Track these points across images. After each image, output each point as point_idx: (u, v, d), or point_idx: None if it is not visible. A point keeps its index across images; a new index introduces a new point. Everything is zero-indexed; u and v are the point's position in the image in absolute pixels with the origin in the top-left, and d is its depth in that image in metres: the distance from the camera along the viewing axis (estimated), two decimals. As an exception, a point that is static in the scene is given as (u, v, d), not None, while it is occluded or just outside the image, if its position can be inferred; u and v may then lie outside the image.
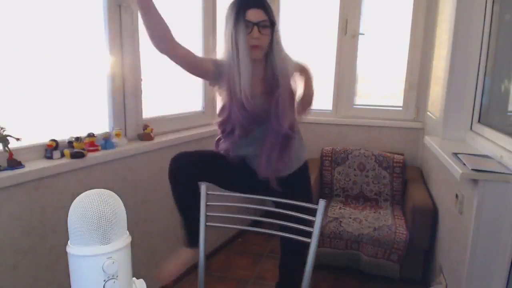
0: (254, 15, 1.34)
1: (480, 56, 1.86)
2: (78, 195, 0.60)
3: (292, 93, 1.52)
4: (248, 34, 1.35)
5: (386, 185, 2.68)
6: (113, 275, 0.59)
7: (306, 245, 1.18)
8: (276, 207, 1.27)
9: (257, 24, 1.35)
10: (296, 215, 1.22)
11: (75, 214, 0.58)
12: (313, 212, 1.18)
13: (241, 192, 1.40)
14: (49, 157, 1.53)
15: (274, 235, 1.29)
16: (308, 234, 1.19)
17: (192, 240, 1.50)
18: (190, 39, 2.34)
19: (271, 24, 1.40)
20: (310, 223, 1.19)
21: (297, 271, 1.44)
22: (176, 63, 1.39)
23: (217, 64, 1.43)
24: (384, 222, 2.36)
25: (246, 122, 1.45)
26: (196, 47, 2.43)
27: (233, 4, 1.39)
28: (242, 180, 1.59)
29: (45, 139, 1.55)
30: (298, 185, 1.63)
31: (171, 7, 2.20)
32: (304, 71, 1.60)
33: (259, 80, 1.47)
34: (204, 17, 2.47)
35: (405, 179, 2.67)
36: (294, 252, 1.65)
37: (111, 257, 0.59)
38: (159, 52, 1.35)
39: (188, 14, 2.39)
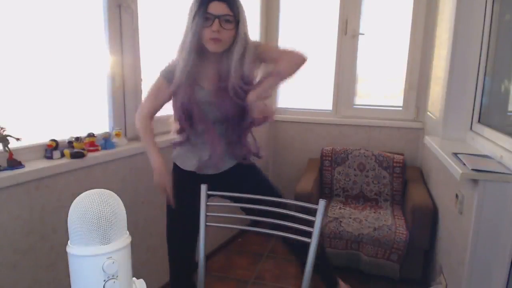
0: (216, 8, 1.31)
1: (480, 56, 1.86)
2: (78, 195, 0.60)
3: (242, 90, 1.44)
4: (208, 26, 1.33)
5: (386, 185, 2.68)
6: (113, 275, 0.59)
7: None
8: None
9: (218, 17, 1.32)
10: (296, 215, 1.22)
11: (75, 214, 0.58)
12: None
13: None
14: (49, 157, 1.53)
15: (274, 235, 1.29)
16: (308, 234, 1.19)
17: None
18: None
19: (235, 20, 1.36)
20: (310, 223, 1.19)
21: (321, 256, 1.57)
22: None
23: (165, 75, 1.49)
24: (384, 222, 2.36)
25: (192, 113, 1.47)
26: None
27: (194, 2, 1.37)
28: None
29: (45, 139, 1.55)
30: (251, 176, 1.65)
31: (172, 7, 2.20)
32: (259, 47, 1.50)
33: (213, 74, 1.46)
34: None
35: (405, 179, 2.67)
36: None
37: (111, 257, 0.59)
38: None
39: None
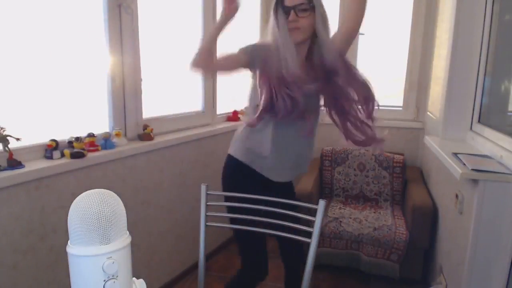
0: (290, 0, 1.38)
1: (480, 56, 1.86)
2: (78, 195, 0.60)
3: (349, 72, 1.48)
4: (287, 19, 1.39)
5: (386, 185, 2.68)
6: (113, 275, 0.59)
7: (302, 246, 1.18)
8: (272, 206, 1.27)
9: (293, 8, 1.38)
10: (296, 215, 1.23)
11: (75, 214, 0.58)
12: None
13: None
14: (49, 157, 1.53)
15: (274, 235, 1.29)
16: (308, 234, 1.19)
17: None
18: (190, 38, 2.33)
19: (311, 7, 1.40)
20: (310, 223, 1.19)
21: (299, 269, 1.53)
22: (220, 73, 1.43)
23: (247, 51, 1.44)
24: (384, 222, 2.36)
25: (292, 106, 1.39)
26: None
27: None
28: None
29: (45, 139, 1.55)
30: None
31: (172, 7, 2.20)
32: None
33: (302, 64, 1.45)
34: (204, 17, 2.47)
35: (405, 179, 2.67)
36: (296, 254, 1.66)
37: (111, 257, 0.59)
38: (204, 73, 1.41)
39: (188, 14, 2.39)
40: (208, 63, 1.39)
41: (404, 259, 2.22)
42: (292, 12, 1.37)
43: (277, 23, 1.40)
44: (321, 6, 1.43)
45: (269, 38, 1.44)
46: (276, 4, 1.41)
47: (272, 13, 1.43)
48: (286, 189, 1.64)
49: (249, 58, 1.43)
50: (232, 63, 1.45)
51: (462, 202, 1.62)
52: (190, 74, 1.45)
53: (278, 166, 1.53)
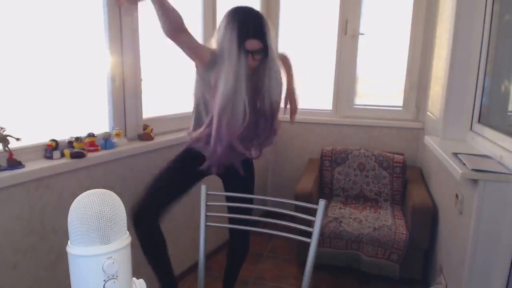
0: (252, 45, 1.48)
1: (480, 56, 1.86)
2: (78, 195, 0.60)
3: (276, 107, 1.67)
4: (246, 61, 1.49)
5: (386, 185, 2.68)
6: (113, 275, 0.59)
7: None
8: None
9: (252, 52, 1.49)
10: (297, 215, 1.23)
11: (75, 214, 0.58)
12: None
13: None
14: (49, 157, 1.53)
15: (274, 235, 1.29)
16: (308, 234, 1.19)
17: None
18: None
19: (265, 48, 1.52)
20: (310, 223, 1.19)
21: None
22: (179, 46, 1.50)
23: (214, 54, 1.53)
24: (384, 222, 2.36)
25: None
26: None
27: (234, 21, 1.47)
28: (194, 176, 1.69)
29: (45, 139, 1.55)
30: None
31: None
32: (284, 61, 1.84)
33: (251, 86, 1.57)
34: (205, 18, 2.47)
35: (405, 179, 2.67)
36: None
37: (111, 257, 0.59)
38: (168, 37, 1.45)
39: (187, 14, 2.39)
40: (180, 27, 1.43)
41: (404, 259, 2.22)
42: (250, 56, 1.49)
43: (239, 64, 1.47)
44: (273, 43, 1.55)
45: (219, 50, 1.52)
46: (238, 44, 1.47)
47: (233, 44, 1.47)
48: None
49: (212, 61, 1.52)
50: (197, 51, 1.53)
51: (462, 202, 1.62)
52: (169, 38, 1.48)
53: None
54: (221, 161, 1.60)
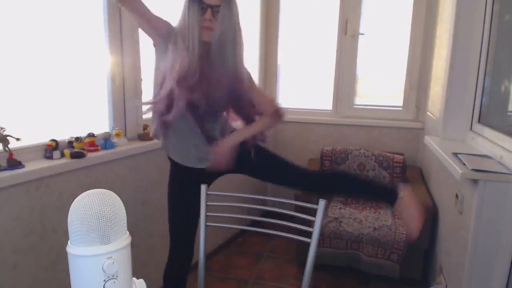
0: None
1: (480, 56, 1.86)
2: (78, 195, 0.60)
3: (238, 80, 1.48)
4: (202, 15, 1.37)
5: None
6: (113, 275, 0.59)
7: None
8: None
9: (211, 7, 1.36)
10: (297, 215, 1.23)
11: (75, 214, 0.58)
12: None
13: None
14: (49, 157, 1.53)
15: (274, 235, 1.29)
16: (308, 234, 1.19)
17: None
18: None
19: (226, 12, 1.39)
20: (310, 223, 1.19)
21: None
22: (131, 14, 1.42)
23: (170, 29, 1.44)
24: (384, 222, 2.36)
25: (183, 101, 1.39)
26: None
27: None
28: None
29: (45, 139, 1.55)
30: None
31: (171, 6, 2.20)
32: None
33: (203, 61, 1.44)
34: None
35: (405, 179, 2.67)
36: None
37: (111, 257, 0.59)
38: (119, 3, 1.38)
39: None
40: None
41: (404, 259, 2.22)
42: (209, 10, 1.36)
43: (190, 16, 1.37)
44: (236, 15, 1.42)
45: (177, 23, 1.42)
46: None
47: (185, 3, 1.39)
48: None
49: (168, 35, 1.42)
50: (151, 21, 1.43)
51: (462, 202, 1.62)
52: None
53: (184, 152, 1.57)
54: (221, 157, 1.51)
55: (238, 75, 1.47)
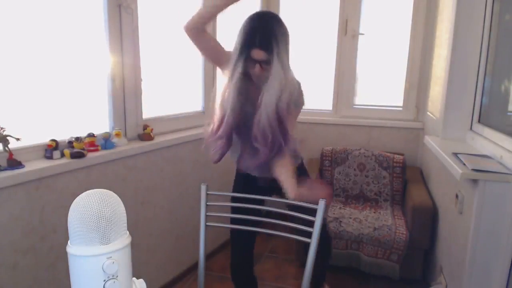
0: (257, 54, 1.40)
1: (480, 56, 1.86)
2: (78, 195, 0.60)
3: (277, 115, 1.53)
4: (252, 69, 1.42)
5: (386, 185, 2.68)
6: (113, 275, 0.59)
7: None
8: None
9: (259, 62, 1.41)
10: (297, 215, 1.23)
11: (75, 214, 0.58)
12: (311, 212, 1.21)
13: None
14: (49, 157, 1.53)
15: (274, 235, 1.29)
16: (308, 234, 1.19)
17: None
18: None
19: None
20: (310, 223, 1.19)
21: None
22: (201, 51, 1.50)
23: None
24: (384, 222, 2.36)
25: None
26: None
27: (244, 30, 1.40)
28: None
29: (45, 139, 1.55)
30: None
31: (172, 7, 2.20)
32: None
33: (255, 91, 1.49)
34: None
35: (405, 179, 2.67)
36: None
37: (111, 257, 0.59)
38: (191, 39, 1.45)
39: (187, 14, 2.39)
40: (199, 30, 1.43)
41: (404, 259, 2.22)
42: (258, 65, 1.41)
43: (237, 65, 1.41)
44: (282, 59, 1.46)
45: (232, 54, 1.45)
46: (242, 52, 1.41)
47: (238, 49, 1.41)
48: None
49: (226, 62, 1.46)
50: (217, 47, 1.51)
51: (462, 202, 1.62)
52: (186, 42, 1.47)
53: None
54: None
55: (277, 117, 1.54)
